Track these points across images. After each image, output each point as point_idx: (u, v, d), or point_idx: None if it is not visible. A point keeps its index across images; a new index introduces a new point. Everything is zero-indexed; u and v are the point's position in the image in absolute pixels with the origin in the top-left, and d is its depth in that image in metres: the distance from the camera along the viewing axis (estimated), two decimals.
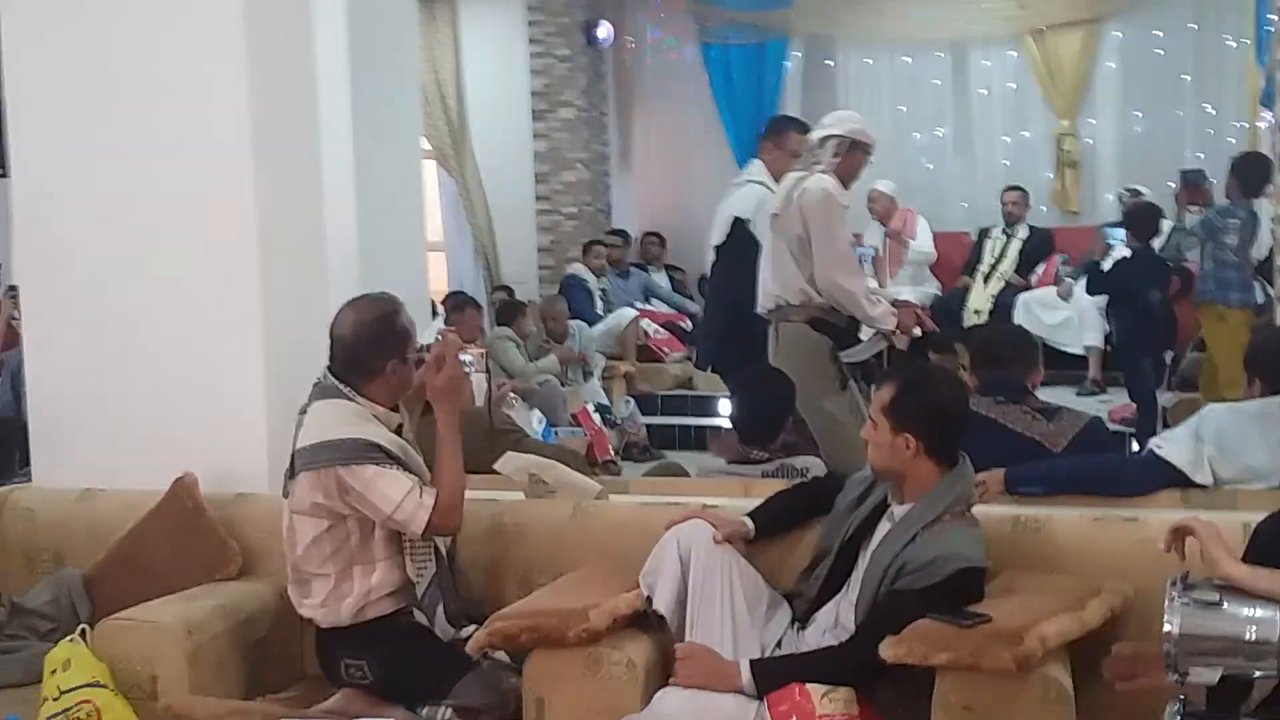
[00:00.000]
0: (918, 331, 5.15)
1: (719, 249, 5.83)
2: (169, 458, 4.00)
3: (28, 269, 4.43)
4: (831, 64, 11.26)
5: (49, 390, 4.37)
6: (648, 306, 10.22)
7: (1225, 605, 2.37)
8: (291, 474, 3.41)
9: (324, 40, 5.18)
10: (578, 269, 10.20)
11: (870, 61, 11.17)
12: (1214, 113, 10.13)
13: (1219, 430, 3.59)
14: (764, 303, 5.27)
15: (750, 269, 5.37)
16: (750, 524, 3.37)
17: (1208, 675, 2.33)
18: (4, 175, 7.04)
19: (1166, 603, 2.37)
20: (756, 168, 5.77)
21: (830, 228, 5.01)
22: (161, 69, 4.15)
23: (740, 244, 5.63)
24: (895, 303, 5.31)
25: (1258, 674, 2.36)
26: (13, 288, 8.41)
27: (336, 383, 3.43)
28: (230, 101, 4.11)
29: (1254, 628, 2.34)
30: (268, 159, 4.16)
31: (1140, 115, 10.39)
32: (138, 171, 4.17)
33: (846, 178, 5.17)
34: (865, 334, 5.17)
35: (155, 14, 4.14)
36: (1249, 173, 7.03)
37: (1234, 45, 9.90)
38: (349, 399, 3.41)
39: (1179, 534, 2.59)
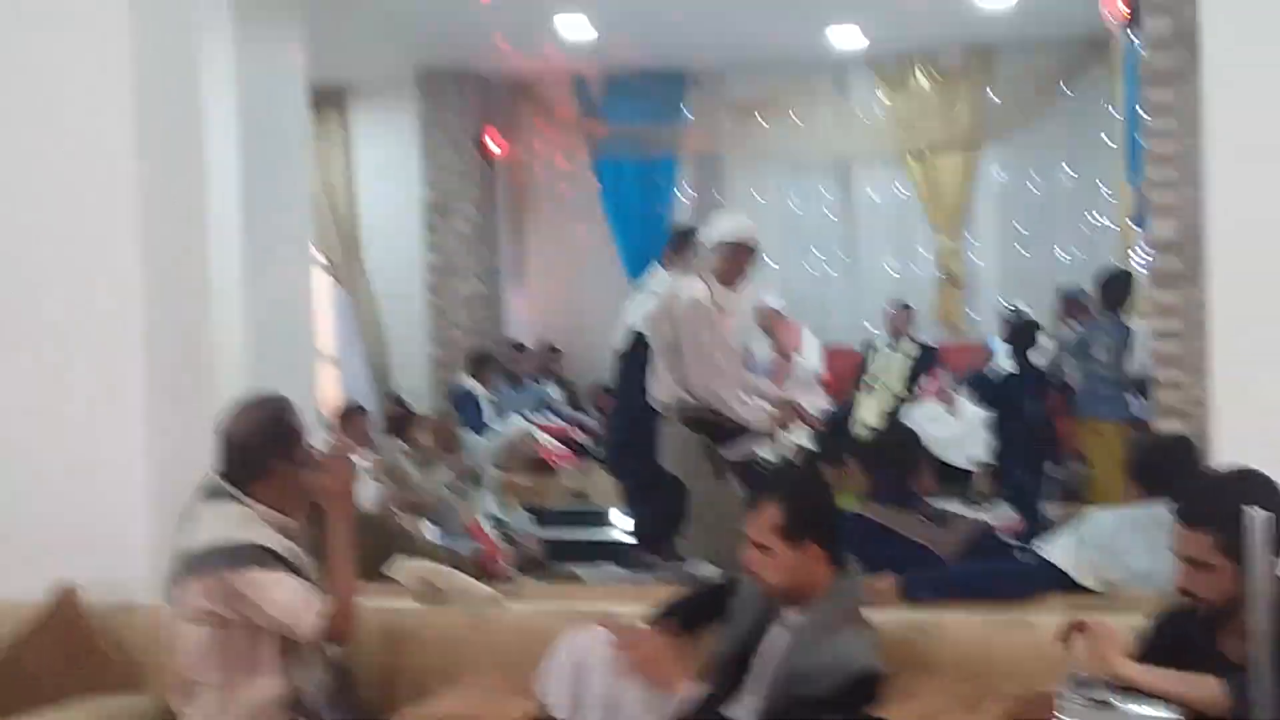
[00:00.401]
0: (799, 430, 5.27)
1: (621, 356, 5.89)
2: (47, 568, 3.90)
3: None
4: (720, 178, 11.47)
5: None
6: (541, 419, 10.21)
7: (1117, 706, 2.41)
8: (176, 579, 3.33)
9: (215, 144, 5.16)
10: (469, 383, 10.19)
11: (758, 179, 11.39)
12: (1094, 227, 10.52)
13: (1101, 534, 3.67)
14: (653, 404, 5.38)
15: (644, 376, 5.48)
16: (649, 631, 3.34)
17: None
18: None
19: (1059, 701, 2.40)
20: (658, 277, 5.86)
21: (698, 334, 5.16)
22: (49, 160, 4.13)
23: (636, 353, 5.73)
24: (776, 401, 5.43)
25: None
26: None
27: (225, 484, 3.37)
28: (118, 198, 4.10)
29: None
30: (154, 259, 4.14)
31: (1021, 233, 10.73)
32: (18, 265, 4.12)
33: (731, 279, 5.31)
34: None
35: (46, 105, 4.13)
36: (1112, 288, 7.31)
37: (1107, 169, 10.31)
38: (238, 501, 3.35)
39: (1073, 628, 2.64)
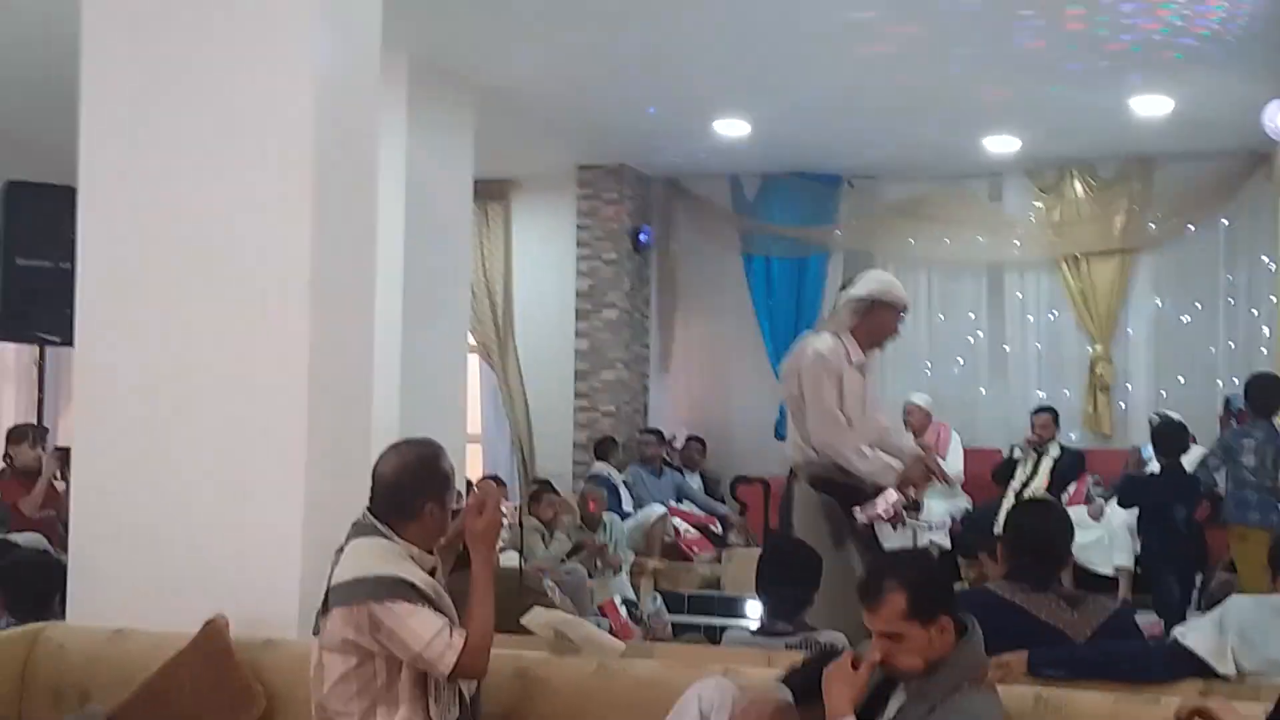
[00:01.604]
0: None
1: None
2: (203, 600, 4.04)
3: (84, 423, 4.54)
4: None
5: (90, 532, 4.45)
6: (679, 507, 10.27)
7: None
8: (324, 610, 3.45)
9: (384, 231, 5.38)
10: (600, 467, 10.33)
11: (909, 281, 11.37)
12: (1244, 338, 10.31)
13: (1242, 622, 3.60)
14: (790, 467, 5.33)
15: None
16: (787, 690, 3.30)
17: None
18: (68, 344, 7.33)
19: None
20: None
21: (818, 385, 5.09)
22: (230, 243, 4.34)
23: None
24: (910, 457, 5.30)
25: None
26: (60, 448, 8.60)
27: (375, 522, 3.49)
28: (292, 268, 4.28)
29: None
30: (323, 333, 4.31)
31: (1173, 342, 10.55)
32: (193, 338, 4.34)
33: (873, 337, 5.27)
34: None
35: (231, 191, 4.35)
36: (1260, 393, 7.15)
37: (1270, 265, 10.12)
38: (387, 538, 3.47)
39: (1193, 713, 2.59)
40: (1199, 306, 10.52)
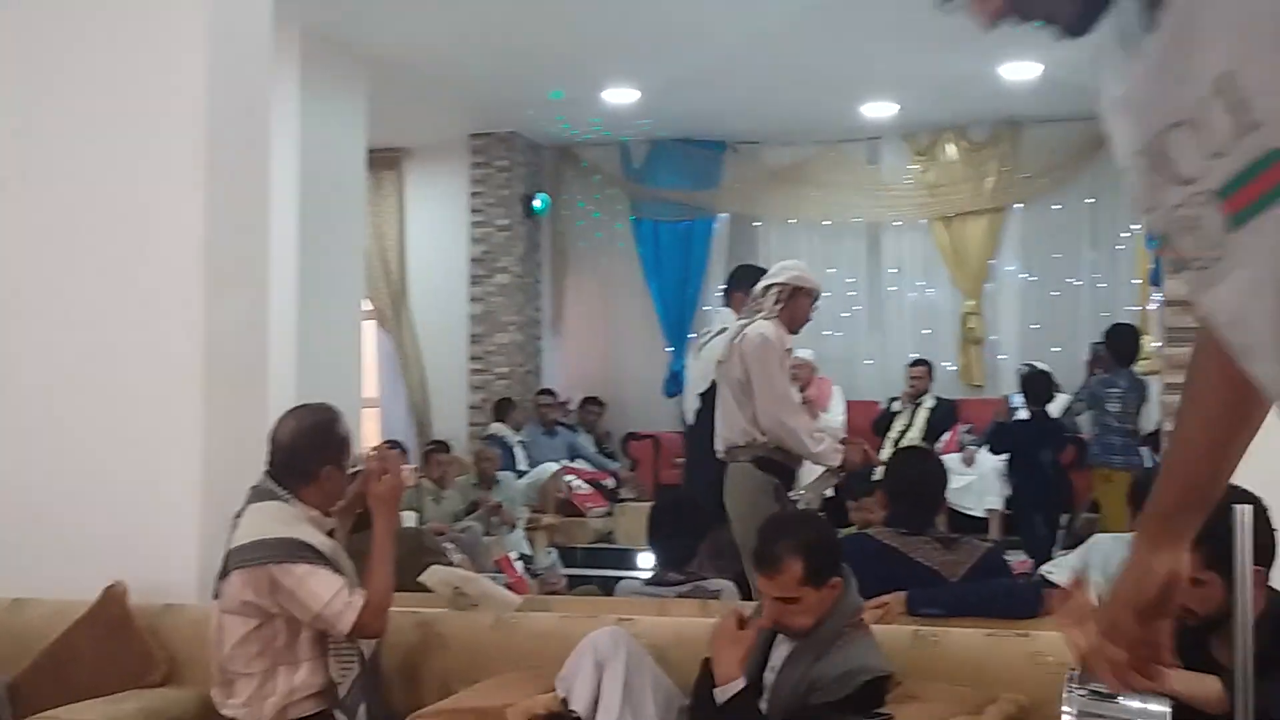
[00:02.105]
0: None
1: (704, 396, 5.66)
2: (101, 568, 3.99)
3: None
4: (754, 240, 11.59)
5: None
6: (573, 465, 10.28)
7: (1119, 698, 2.42)
8: (223, 574, 3.40)
9: (279, 200, 5.28)
10: (497, 427, 10.31)
11: (790, 242, 11.47)
12: (1107, 289, 10.56)
13: (1105, 558, 3.70)
14: (718, 445, 5.30)
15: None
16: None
17: None
18: None
19: (1065, 693, 2.41)
20: (724, 316, 5.65)
21: (769, 371, 5.11)
22: (123, 213, 4.26)
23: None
24: (843, 440, 5.39)
25: None
26: None
27: (273, 486, 3.46)
28: (185, 236, 4.21)
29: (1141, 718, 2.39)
30: (218, 299, 4.25)
31: (1040, 295, 10.79)
32: (91, 297, 4.25)
33: (794, 322, 5.30)
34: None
35: (123, 162, 4.26)
36: (1120, 344, 7.38)
37: (1126, 234, 10.39)
38: (285, 501, 3.43)
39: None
40: (1063, 260, 10.75)
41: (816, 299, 5.41)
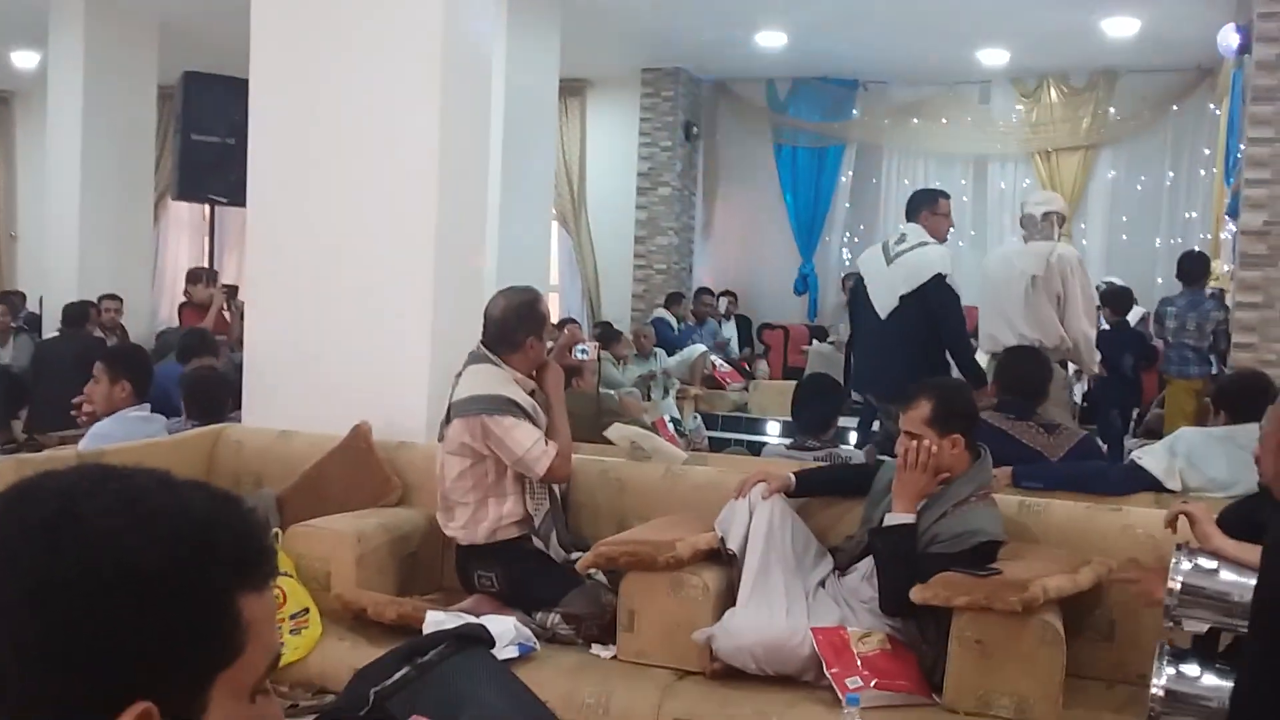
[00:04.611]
0: None
1: (907, 297, 5.06)
2: (350, 409, 4.04)
3: (255, 266, 4.52)
4: (878, 167, 11.28)
5: (262, 352, 4.45)
6: (715, 347, 10.23)
7: (1221, 572, 2.30)
8: (446, 421, 3.44)
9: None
10: (661, 312, 10.27)
11: (909, 169, 11.15)
12: (1190, 218, 10.08)
13: (1190, 447, 3.52)
14: (1003, 343, 5.10)
15: (951, 315, 5.05)
16: (792, 478, 3.31)
17: (1197, 626, 2.25)
18: (233, 203, 7.28)
19: (1172, 564, 2.30)
20: (918, 231, 5.16)
21: (1086, 286, 5.20)
22: (375, 122, 4.23)
23: (943, 296, 5.06)
24: None
25: (1233, 629, 2.29)
26: (228, 286, 8.62)
27: (487, 352, 3.46)
28: (423, 142, 4.17)
29: (1238, 592, 2.27)
30: (446, 197, 4.21)
31: (1125, 222, 10.31)
32: (345, 198, 4.26)
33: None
34: None
35: (375, 81, 4.22)
36: (1190, 267, 7.03)
37: (1204, 173, 9.87)
38: (496, 365, 3.44)
39: (1176, 514, 2.52)
40: (1145, 193, 10.26)
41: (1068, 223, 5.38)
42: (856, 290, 5.42)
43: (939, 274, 5.05)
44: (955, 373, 4.94)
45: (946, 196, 5.44)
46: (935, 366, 4.94)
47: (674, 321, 10.06)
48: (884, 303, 5.11)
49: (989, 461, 3.12)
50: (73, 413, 4.24)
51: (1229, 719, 1.93)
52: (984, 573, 2.75)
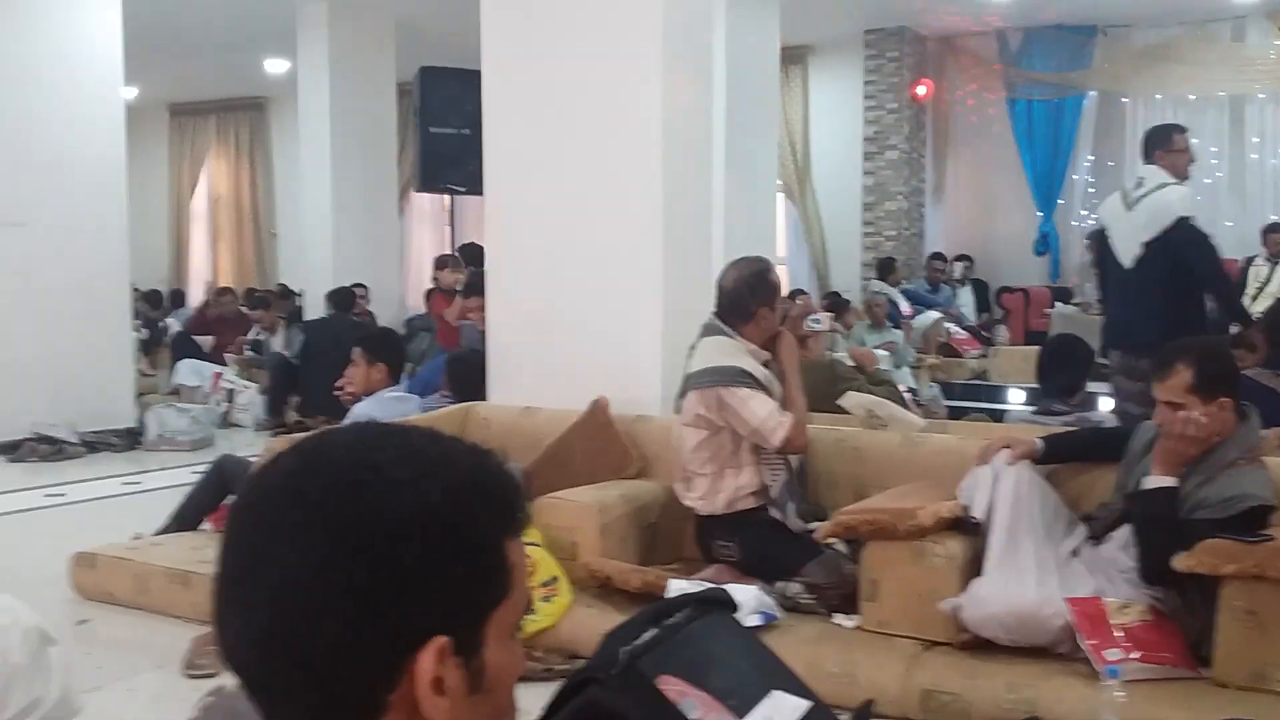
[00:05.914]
0: None
1: (1152, 244, 4.85)
2: (588, 385, 4.17)
3: (494, 252, 4.70)
4: (1121, 115, 10.62)
5: (505, 336, 4.65)
6: (951, 312, 9.93)
7: None
8: (682, 393, 3.50)
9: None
10: (877, 284, 10.05)
11: (1156, 117, 10.45)
12: None
13: None
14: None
15: (1203, 255, 4.85)
16: (1040, 443, 3.19)
17: None
18: (471, 192, 7.60)
19: None
20: (1155, 173, 4.94)
21: None
22: (599, 104, 4.33)
23: (1191, 237, 4.83)
24: None
25: None
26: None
27: (720, 324, 3.50)
28: (647, 127, 4.25)
29: None
30: (672, 173, 4.28)
31: None
32: (574, 181, 4.38)
33: None
34: None
35: (599, 66, 4.33)
36: None
37: None
38: (729, 336, 3.47)
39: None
40: None
41: None
42: (1101, 242, 5.15)
43: (1181, 217, 4.77)
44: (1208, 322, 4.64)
45: (1182, 131, 5.11)
46: (1190, 315, 4.67)
47: (892, 291, 9.79)
48: (1128, 251, 4.84)
49: (1257, 422, 2.92)
50: (336, 394, 4.54)
51: None
52: (1254, 539, 2.58)
